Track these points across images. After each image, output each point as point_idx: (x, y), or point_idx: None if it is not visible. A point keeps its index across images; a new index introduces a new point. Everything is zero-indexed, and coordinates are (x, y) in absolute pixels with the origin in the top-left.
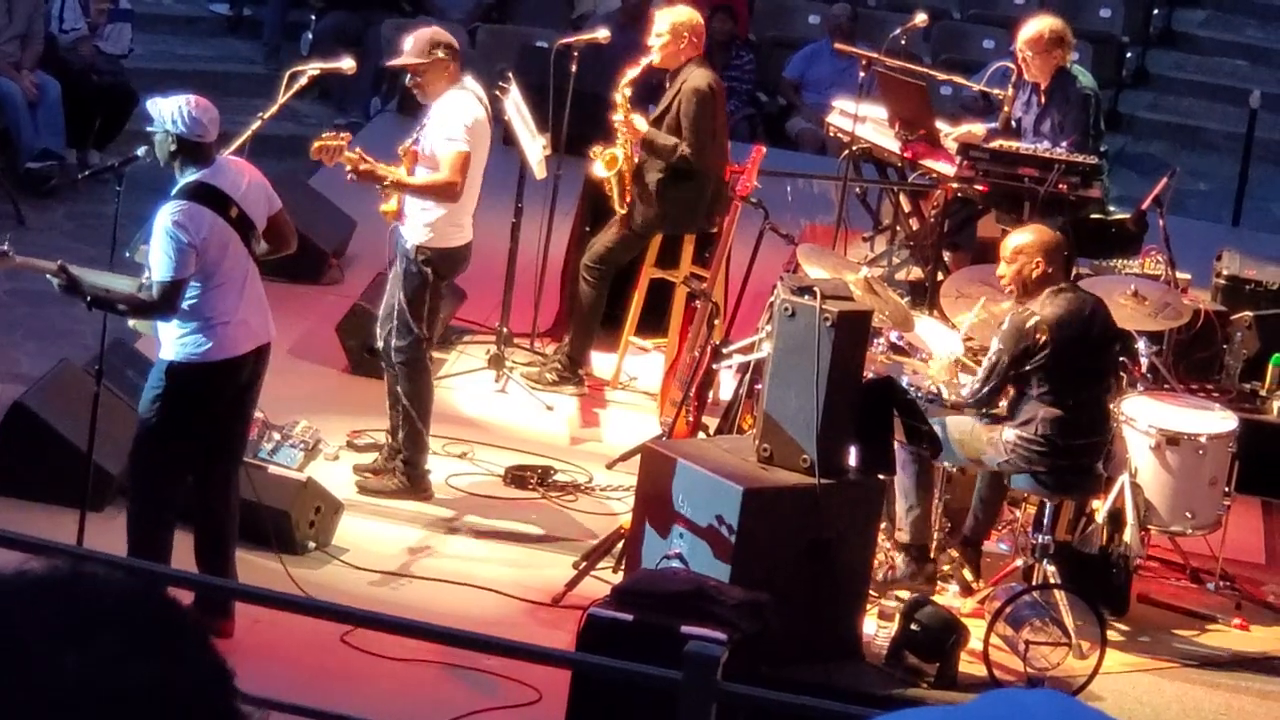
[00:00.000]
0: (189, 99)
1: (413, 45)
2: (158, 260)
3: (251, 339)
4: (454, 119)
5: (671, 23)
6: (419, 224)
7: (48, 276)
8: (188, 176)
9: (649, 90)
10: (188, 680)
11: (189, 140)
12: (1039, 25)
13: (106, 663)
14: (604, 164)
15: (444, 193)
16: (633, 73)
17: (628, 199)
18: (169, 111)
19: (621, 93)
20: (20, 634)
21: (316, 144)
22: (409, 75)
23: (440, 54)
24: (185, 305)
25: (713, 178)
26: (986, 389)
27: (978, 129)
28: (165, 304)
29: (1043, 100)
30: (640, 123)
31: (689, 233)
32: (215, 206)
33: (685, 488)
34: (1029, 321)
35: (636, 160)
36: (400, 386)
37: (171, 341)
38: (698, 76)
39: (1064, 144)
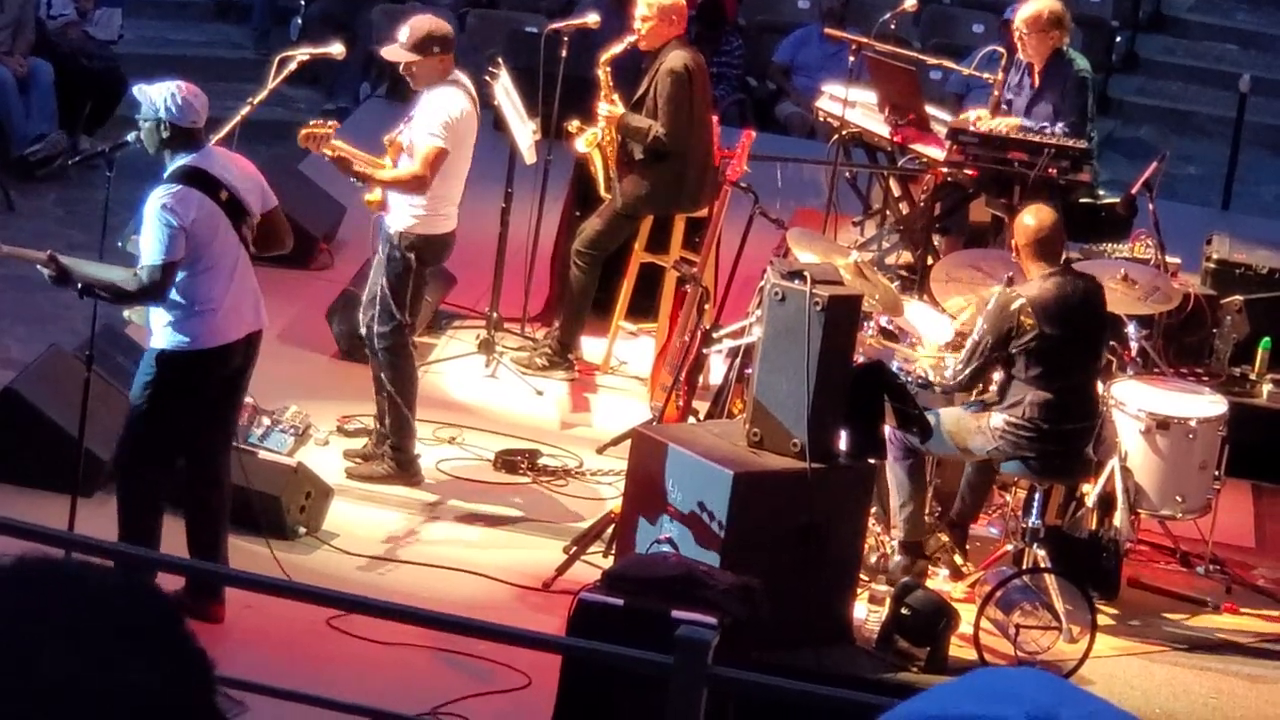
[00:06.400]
0: (178, 85)
1: (409, 37)
2: (148, 244)
3: (242, 326)
4: (437, 115)
5: (658, 4)
6: (404, 210)
7: (38, 266)
8: (177, 161)
9: (635, 74)
10: (173, 684)
11: (180, 127)
12: (1038, 4)
13: (92, 662)
14: (585, 142)
15: (411, 185)
16: (615, 49)
17: (611, 176)
18: (159, 98)
19: (603, 69)
20: (2, 625)
21: (304, 131)
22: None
23: (435, 50)
24: (175, 291)
25: (693, 158)
26: (970, 369)
27: (984, 115)
28: (156, 288)
29: (1036, 83)
30: (609, 108)
31: (673, 213)
32: (204, 189)
33: (676, 472)
34: (1014, 303)
35: (617, 139)
36: (384, 373)
37: (162, 329)
38: (675, 57)
39: (1060, 126)
